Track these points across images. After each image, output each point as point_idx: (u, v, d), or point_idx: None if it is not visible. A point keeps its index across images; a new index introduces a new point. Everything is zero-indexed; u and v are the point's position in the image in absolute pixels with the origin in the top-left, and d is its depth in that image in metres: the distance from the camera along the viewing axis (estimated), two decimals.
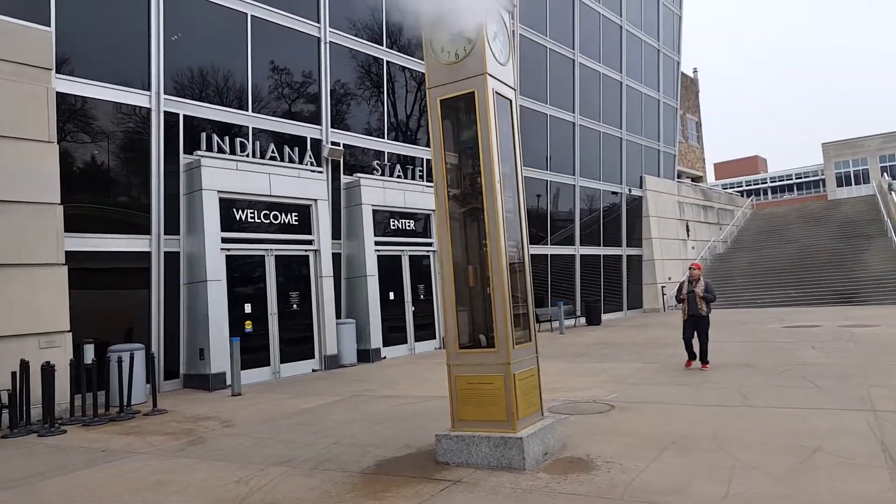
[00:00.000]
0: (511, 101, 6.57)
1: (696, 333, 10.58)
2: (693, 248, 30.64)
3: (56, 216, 9.53)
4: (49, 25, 10.21)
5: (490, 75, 6.10)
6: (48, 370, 8.55)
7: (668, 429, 6.59)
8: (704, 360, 10.56)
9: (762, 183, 71.35)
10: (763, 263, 29.74)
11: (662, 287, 27.01)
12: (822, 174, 63.49)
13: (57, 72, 10.20)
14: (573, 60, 23.62)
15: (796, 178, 69.28)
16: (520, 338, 6.22)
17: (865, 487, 4.51)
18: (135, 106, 11.47)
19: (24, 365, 8.53)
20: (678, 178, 34.50)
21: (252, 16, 13.28)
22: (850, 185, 57.36)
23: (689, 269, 10.99)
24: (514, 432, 5.69)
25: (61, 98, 10.24)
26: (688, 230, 30.59)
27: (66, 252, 9.66)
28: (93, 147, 11.12)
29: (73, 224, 10.08)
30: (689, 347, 10.76)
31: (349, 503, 4.82)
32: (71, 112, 10.69)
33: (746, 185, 69.85)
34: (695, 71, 42.79)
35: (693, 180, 39.17)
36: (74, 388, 9.09)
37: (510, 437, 5.64)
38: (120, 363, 9.36)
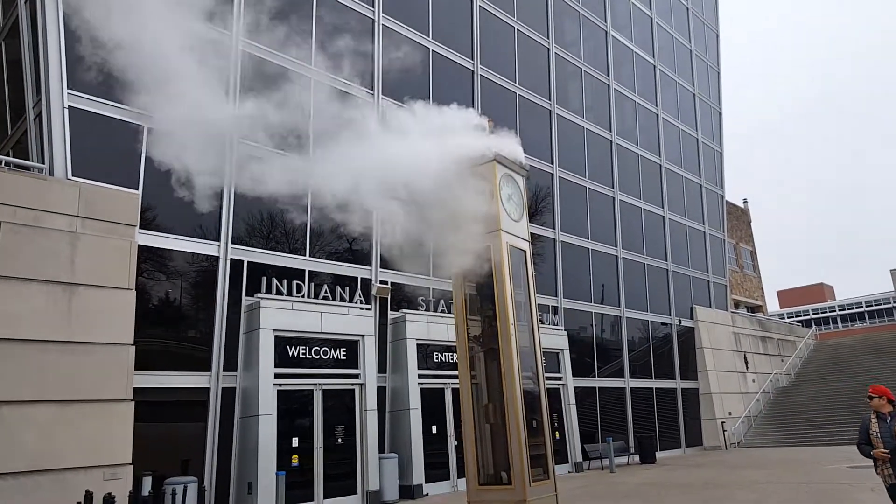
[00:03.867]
0: (525, 251, 7.34)
1: None
2: (754, 381, 29.65)
3: (129, 356, 10.58)
4: (137, 188, 11.88)
5: (504, 231, 6.95)
6: (109, 502, 9.18)
7: None
8: None
9: (829, 311, 68.90)
10: (830, 397, 28.38)
11: (722, 423, 26.01)
12: (895, 301, 61.13)
13: (139, 227, 11.70)
14: (613, 198, 24.72)
15: (866, 306, 66.69)
16: (537, 475, 6.57)
17: None
18: (205, 255, 12.86)
19: (89, 496, 9.19)
20: (735, 307, 34.08)
21: None
22: None
23: (869, 397, 6.79)
24: None
25: (141, 248, 11.65)
26: (746, 362, 29.79)
27: (134, 388, 10.60)
28: (163, 288, 12.42)
29: (141, 360, 11.05)
30: None
31: None
32: (147, 258, 12.08)
33: (813, 314, 67.53)
34: (745, 201, 43.32)
35: (752, 310, 38.48)
36: None
37: None
38: (174, 496, 9.93)
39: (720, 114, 34.55)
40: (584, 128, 24.07)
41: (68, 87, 11.15)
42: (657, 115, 28.74)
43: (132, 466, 10.23)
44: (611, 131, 25.36)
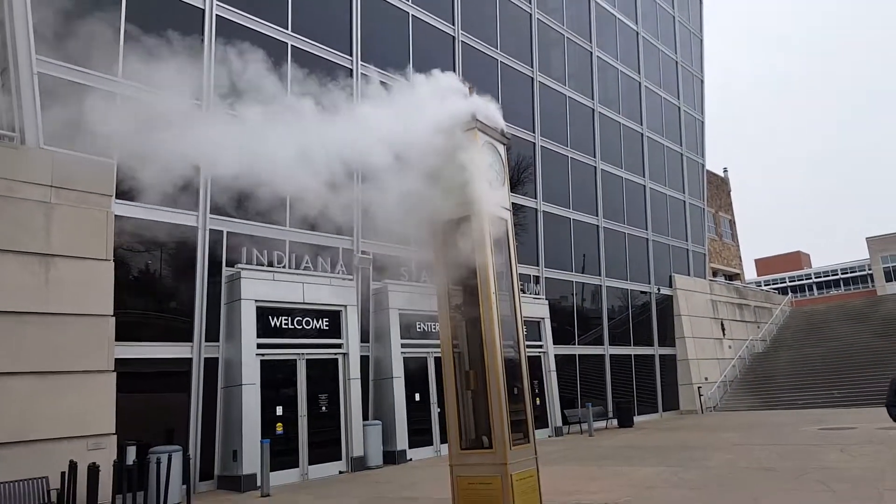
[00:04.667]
0: (506, 220, 7.35)
1: None
2: (730, 347, 30.26)
3: (109, 326, 10.52)
4: (112, 157, 11.64)
5: (485, 200, 6.94)
6: (94, 471, 9.21)
7: None
8: None
9: (806, 279, 70.17)
10: (804, 363, 29.10)
11: (699, 388, 26.59)
12: (870, 269, 62.27)
13: (116, 197, 11.50)
14: (595, 167, 24.76)
15: (842, 274, 67.98)
16: (518, 439, 6.69)
17: None
18: (183, 225, 12.71)
19: (73, 465, 9.22)
20: (714, 276, 34.56)
21: None
22: None
23: None
24: None
25: (118, 219, 11.49)
26: (723, 329, 30.34)
27: (115, 359, 10.57)
28: (143, 260, 12.31)
29: (122, 331, 10.99)
30: None
31: None
32: (125, 229, 11.91)
33: (790, 282, 68.76)
34: (725, 170, 43.55)
35: (730, 278, 39.06)
36: (116, 489, 9.70)
37: None
38: (158, 464, 10.00)
39: (702, 82, 34.55)
40: (567, 96, 23.96)
41: (37, 53, 10.84)
42: (639, 83, 28.66)
43: (116, 436, 10.25)
44: (593, 100, 25.28)
